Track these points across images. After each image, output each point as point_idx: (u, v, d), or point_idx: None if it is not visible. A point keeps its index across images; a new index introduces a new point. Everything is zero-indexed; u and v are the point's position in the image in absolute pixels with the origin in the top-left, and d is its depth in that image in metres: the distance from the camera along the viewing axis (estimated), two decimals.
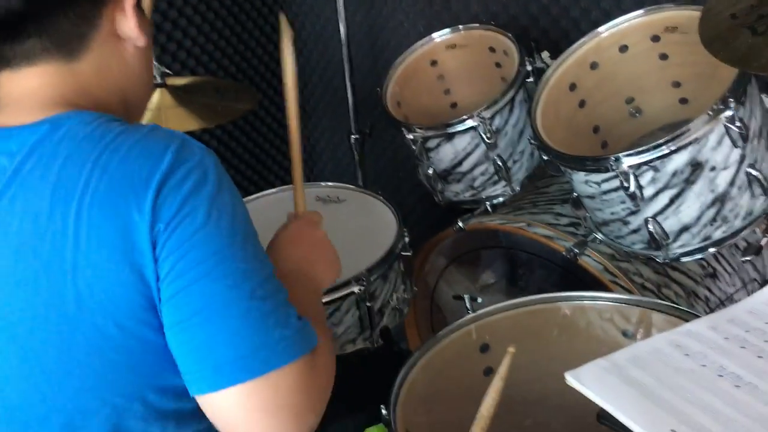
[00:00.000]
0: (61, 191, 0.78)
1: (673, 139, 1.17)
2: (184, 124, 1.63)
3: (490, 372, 1.20)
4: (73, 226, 0.77)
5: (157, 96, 1.68)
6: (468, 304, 1.21)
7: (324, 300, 1.32)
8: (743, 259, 1.56)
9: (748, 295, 1.60)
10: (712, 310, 1.51)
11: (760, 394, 0.72)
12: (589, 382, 0.76)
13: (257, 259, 0.82)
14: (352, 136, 2.04)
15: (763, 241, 1.54)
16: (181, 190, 0.77)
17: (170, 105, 1.66)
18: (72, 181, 0.78)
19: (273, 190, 1.72)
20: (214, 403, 0.79)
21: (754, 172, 1.21)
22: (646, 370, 0.77)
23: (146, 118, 1.64)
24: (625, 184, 1.22)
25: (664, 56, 1.42)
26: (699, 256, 1.31)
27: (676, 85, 1.46)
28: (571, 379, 0.78)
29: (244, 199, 1.64)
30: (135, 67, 0.91)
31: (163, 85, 1.70)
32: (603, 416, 0.74)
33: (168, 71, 1.72)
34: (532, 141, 1.35)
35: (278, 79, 2.58)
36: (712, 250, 1.30)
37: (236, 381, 0.77)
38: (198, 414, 0.82)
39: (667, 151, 1.18)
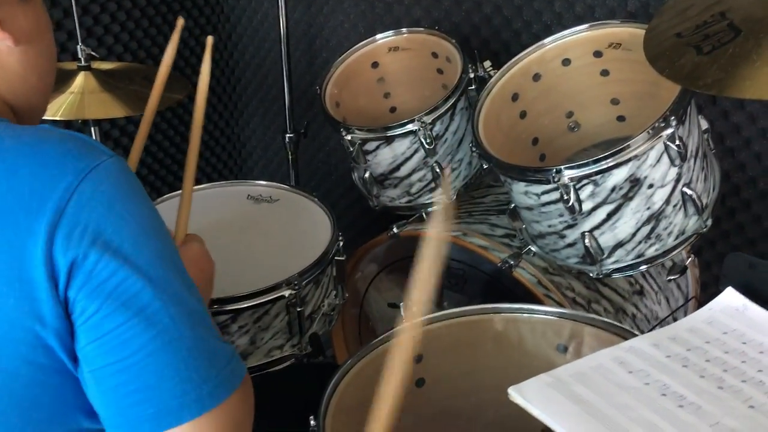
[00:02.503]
0: None
1: (614, 154, 1.17)
2: (109, 110, 1.54)
3: (422, 383, 1.17)
4: None
5: (80, 79, 1.59)
6: (403, 313, 1.17)
7: (252, 303, 1.26)
8: (669, 278, 1.59)
9: (673, 315, 1.64)
10: (638, 327, 1.53)
11: (704, 414, 0.71)
12: (532, 397, 0.74)
13: (184, 274, 0.74)
14: (287, 135, 1.99)
15: (688, 262, 1.58)
16: (94, 208, 0.66)
17: (94, 89, 1.56)
18: None
19: (202, 186, 1.64)
20: None
21: (689, 192, 1.22)
22: (590, 387, 0.75)
23: (67, 102, 1.55)
24: (565, 197, 1.21)
25: (605, 72, 1.43)
26: (631, 272, 1.32)
27: (615, 102, 1.47)
28: (514, 394, 0.75)
29: (167, 195, 1.57)
30: (14, 68, 0.78)
31: (87, 68, 1.60)
32: None
33: (94, 54, 1.62)
34: (474, 148, 1.33)
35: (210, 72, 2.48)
36: (644, 267, 1.31)
37: (186, 419, 0.69)
38: None
39: (607, 166, 1.18)
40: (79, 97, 1.53)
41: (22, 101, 0.80)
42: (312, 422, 0.96)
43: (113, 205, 0.68)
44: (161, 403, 0.69)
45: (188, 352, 0.70)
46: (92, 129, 1.68)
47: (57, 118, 1.51)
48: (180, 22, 1.14)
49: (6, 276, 0.66)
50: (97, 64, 1.64)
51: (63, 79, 1.57)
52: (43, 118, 0.94)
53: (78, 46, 1.60)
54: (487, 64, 1.57)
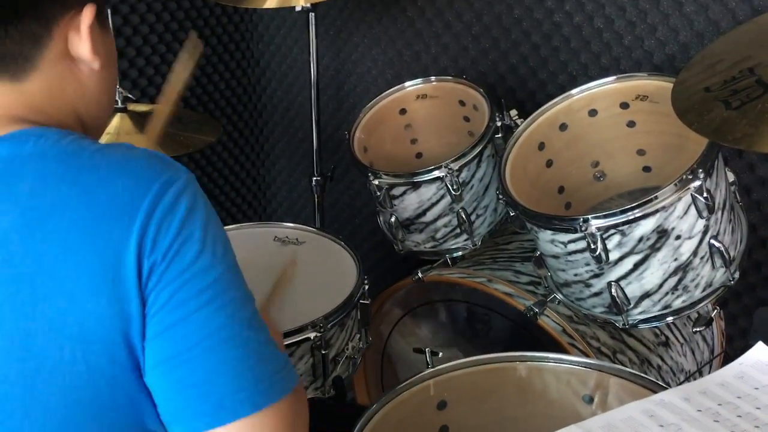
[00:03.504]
0: (33, 213, 0.71)
1: (641, 205, 1.18)
2: None
3: (446, 430, 1.16)
4: (47, 252, 0.70)
5: (116, 121, 1.63)
6: (428, 359, 1.17)
7: None
8: (694, 329, 1.58)
9: (697, 366, 1.62)
10: (663, 379, 1.51)
11: None
12: None
13: (246, 286, 0.78)
14: (314, 178, 2.01)
15: (713, 314, 1.57)
16: (175, 215, 0.72)
17: (130, 131, 1.61)
18: (45, 203, 0.71)
19: (228, 227, 1.66)
20: None
21: (716, 244, 1.22)
22: None
23: (104, 142, 1.58)
24: (592, 246, 1.21)
25: (631, 123, 1.44)
26: (657, 323, 1.32)
27: (641, 152, 1.48)
28: None
29: None
30: (92, 89, 0.84)
31: (124, 110, 1.65)
32: None
33: (130, 96, 1.67)
34: (501, 196, 1.34)
35: (238, 115, 2.54)
36: (670, 318, 1.30)
37: (238, 416, 0.72)
38: None
39: (634, 216, 1.18)
40: (114, 137, 1.58)
41: (94, 120, 0.87)
42: None
43: (192, 212, 0.74)
44: (217, 399, 0.72)
45: (245, 350, 0.73)
46: None
47: None
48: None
49: (101, 278, 0.70)
50: (133, 106, 1.69)
51: None
52: None
53: (116, 88, 1.65)
54: (513, 112, 1.60)
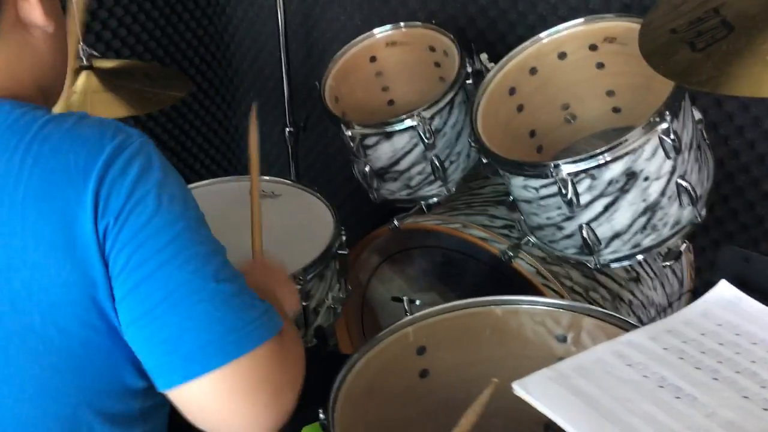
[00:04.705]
0: None
1: (610, 149, 1.20)
2: (112, 110, 1.55)
3: (426, 374, 1.20)
4: (5, 224, 0.72)
5: (83, 79, 1.59)
6: (406, 306, 1.20)
7: None
8: (664, 264, 1.62)
9: (668, 299, 1.67)
10: (635, 314, 1.56)
11: (700, 405, 0.74)
12: (536, 392, 0.77)
13: (212, 241, 0.79)
14: (287, 129, 2.00)
15: (682, 248, 1.61)
16: (126, 178, 0.74)
17: (97, 89, 1.57)
18: (0, 176, 0.73)
19: (204, 182, 1.66)
20: (187, 394, 0.75)
21: (683, 183, 1.25)
22: (590, 380, 0.78)
23: (71, 102, 1.56)
24: (563, 191, 1.24)
25: (600, 65, 1.45)
26: (628, 262, 1.35)
27: (611, 93, 1.50)
28: (518, 389, 0.78)
29: None
30: (47, 54, 0.85)
31: (89, 68, 1.61)
32: (550, 427, 0.74)
33: (95, 53, 1.63)
34: (473, 144, 1.35)
35: (207, 65, 2.50)
36: (640, 257, 1.34)
37: (210, 368, 0.73)
38: (144, 415, 0.80)
39: (604, 161, 1.21)
40: (82, 97, 1.54)
41: (51, 85, 0.88)
42: (321, 415, 1.00)
43: (144, 173, 0.75)
44: (186, 353, 0.73)
45: (211, 303, 0.74)
46: None
47: None
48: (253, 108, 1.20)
49: (62, 245, 0.72)
50: (98, 63, 1.65)
51: None
52: None
53: (79, 46, 1.61)
54: (484, 56, 1.59)
